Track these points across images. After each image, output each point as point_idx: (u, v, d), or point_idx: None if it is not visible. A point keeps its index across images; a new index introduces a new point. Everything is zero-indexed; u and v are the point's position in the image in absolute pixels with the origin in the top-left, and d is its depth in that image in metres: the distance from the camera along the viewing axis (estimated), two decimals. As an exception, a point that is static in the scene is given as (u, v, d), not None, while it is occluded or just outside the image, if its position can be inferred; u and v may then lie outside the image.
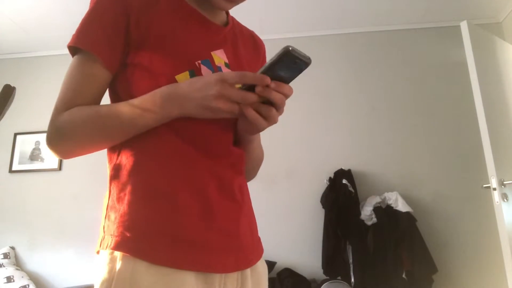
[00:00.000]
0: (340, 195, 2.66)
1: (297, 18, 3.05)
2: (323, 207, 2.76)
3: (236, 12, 0.82)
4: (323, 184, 2.83)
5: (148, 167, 0.65)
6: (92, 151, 0.69)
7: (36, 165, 3.14)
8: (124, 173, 0.65)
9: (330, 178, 2.81)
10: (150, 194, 0.63)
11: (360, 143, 2.97)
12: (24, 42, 3.24)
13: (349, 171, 2.82)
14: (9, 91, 1.00)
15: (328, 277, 2.56)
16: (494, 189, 2.07)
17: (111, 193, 0.66)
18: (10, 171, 3.14)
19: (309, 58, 0.57)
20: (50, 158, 3.15)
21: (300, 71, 0.59)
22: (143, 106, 0.63)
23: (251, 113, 0.61)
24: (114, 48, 0.66)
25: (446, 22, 3.09)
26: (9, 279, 2.67)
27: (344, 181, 2.70)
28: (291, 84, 0.62)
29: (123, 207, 0.63)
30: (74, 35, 0.67)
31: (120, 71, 0.68)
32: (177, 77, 0.65)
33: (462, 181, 2.79)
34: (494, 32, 2.74)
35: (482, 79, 2.19)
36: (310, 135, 3.02)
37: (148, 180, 0.64)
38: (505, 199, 2.04)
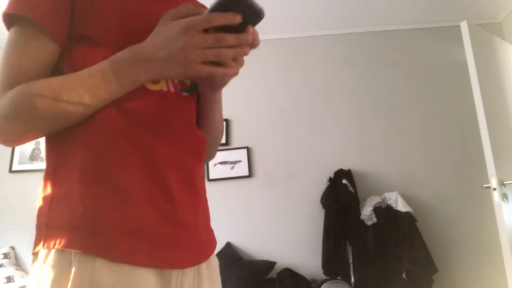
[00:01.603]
0: (340, 195, 2.66)
1: (296, 18, 3.05)
2: (323, 207, 2.76)
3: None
4: (323, 184, 2.83)
5: (101, 157, 0.58)
6: (44, 135, 0.61)
7: (36, 165, 3.13)
8: (71, 163, 0.58)
9: (330, 178, 2.81)
10: (106, 186, 0.56)
11: (360, 143, 2.97)
12: (24, 42, 3.24)
13: (349, 171, 2.82)
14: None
15: (328, 277, 2.56)
16: (494, 189, 2.07)
17: (55, 184, 0.59)
18: (10, 171, 3.13)
19: (261, 10, 0.51)
20: (50, 158, 3.14)
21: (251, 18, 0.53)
22: (104, 72, 0.55)
23: (210, 68, 0.54)
24: (60, 16, 0.58)
25: (446, 22, 3.09)
26: (9, 279, 2.67)
27: (344, 181, 2.70)
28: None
29: (74, 200, 0.56)
30: (10, 1, 0.57)
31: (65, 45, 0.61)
32: None
33: (462, 181, 2.80)
34: (494, 32, 2.74)
35: (482, 79, 2.19)
36: (310, 135, 3.02)
37: (102, 171, 0.57)
38: (505, 199, 2.04)
